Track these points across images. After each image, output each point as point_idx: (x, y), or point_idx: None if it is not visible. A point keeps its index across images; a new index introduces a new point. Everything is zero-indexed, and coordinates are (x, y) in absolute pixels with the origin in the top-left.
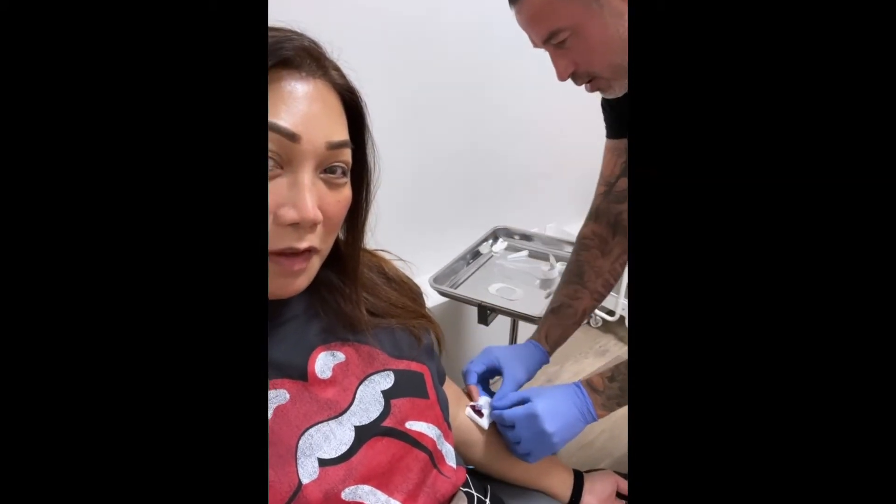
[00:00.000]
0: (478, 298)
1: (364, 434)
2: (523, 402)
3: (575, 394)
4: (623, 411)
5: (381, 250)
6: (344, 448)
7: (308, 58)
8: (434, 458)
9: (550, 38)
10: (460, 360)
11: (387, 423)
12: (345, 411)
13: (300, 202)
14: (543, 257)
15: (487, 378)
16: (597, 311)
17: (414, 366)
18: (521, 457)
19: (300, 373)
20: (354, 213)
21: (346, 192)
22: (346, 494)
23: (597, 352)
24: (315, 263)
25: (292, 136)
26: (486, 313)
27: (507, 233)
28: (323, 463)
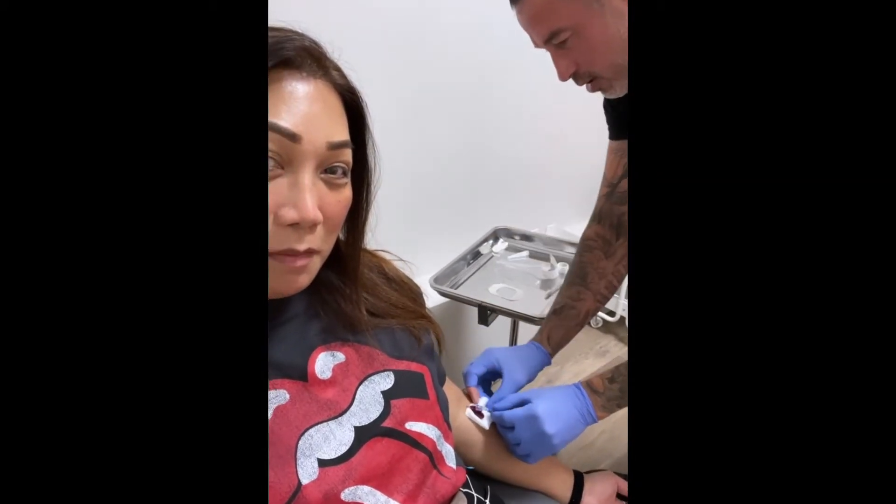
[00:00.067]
0: (478, 299)
1: (364, 434)
2: (523, 403)
3: (575, 395)
4: (623, 412)
5: (382, 250)
6: (344, 448)
7: (309, 58)
8: (434, 458)
9: (551, 38)
10: (460, 361)
11: (386, 423)
12: (344, 412)
13: (300, 202)
14: (544, 258)
15: (488, 380)
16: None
17: (414, 366)
18: (521, 458)
19: (300, 373)
20: (355, 214)
21: (347, 193)
22: (346, 495)
23: (597, 352)
24: (316, 263)
25: (293, 137)
26: (487, 314)
27: (508, 233)
28: (322, 463)
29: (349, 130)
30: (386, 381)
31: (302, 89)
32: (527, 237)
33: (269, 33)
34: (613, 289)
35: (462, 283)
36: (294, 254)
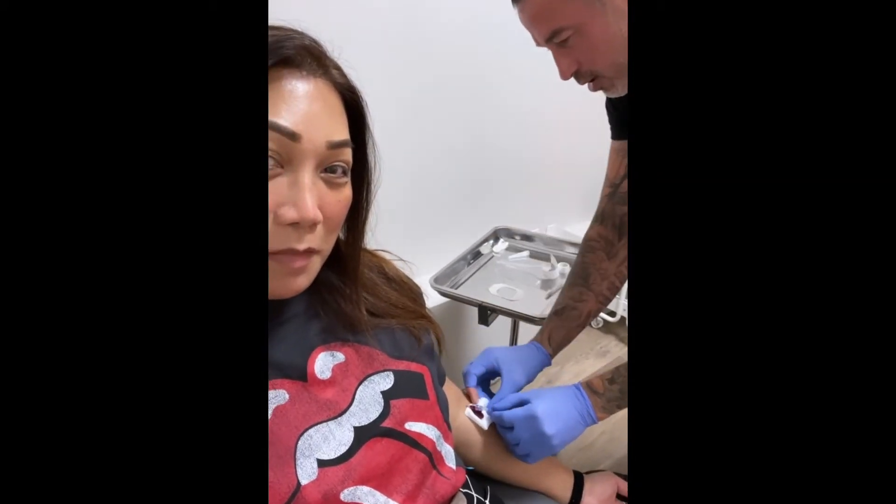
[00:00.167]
0: (478, 299)
1: (363, 435)
2: (523, 403)
3: (575, 396)
4: (624, 413)
5: (382, 250)
6: (343, 449)
7: (309, 57)
8: (433, 459)
9: (553, 37)
10: (461, 361)
11: (386, 423)
12: (344, 412)
13: (300, 202)
14: (544, 258)
15: (488, 379)
16: None
17: (414, 366)
18: (521, 458)
19: (300, 373)
20: (355, 213)
21: (347, 192)
22: (345, 495)
23: (598, 353)
24: (316, 263)
25: (293, 136)
26: (487, 314)
27: (508, 233)
28: (322, 464)
29: (349, 129)
30: (386, 381)
31: (302, 88)
32: (527, 237)
33: (269, 32)
34: (616, 290)
35: (462, 283)
36: (293, 253)
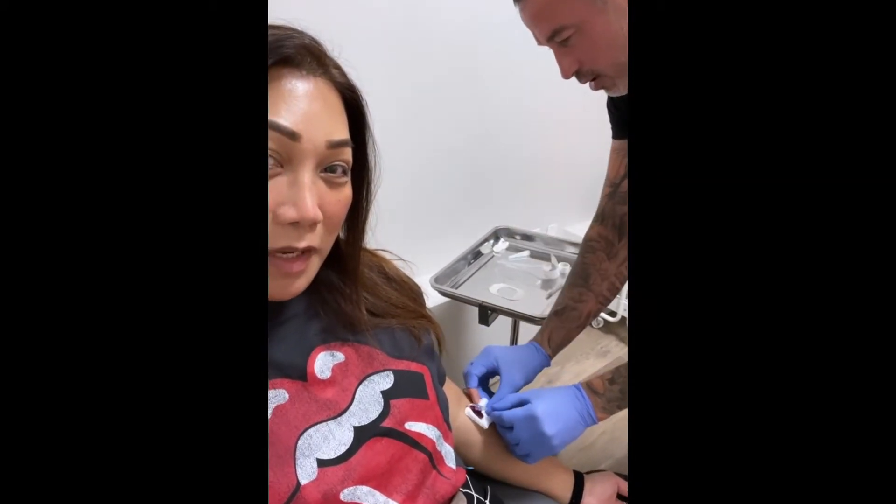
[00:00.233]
0: (479, 299)
1: (363, 434)
2: (523, 403)
3: (575, 396)
4: (624, 413)
5: (382, 250)
6: (343, 448)
7: (309, 56)
8: (433, 459)
9: (554, 36)
10: (461, 361)
11: (386, 423)
12: (344, 412)
13: (300, 201)
14: (545, 257)
15: (487, 378)
16: None
17: (414, 366)
18: (521, 458)
19: (299, 373)
20: (355, 213)
21: (347, 192)
22: (345, 495)
23: (598, 353)
24: (314, 264)
25: (292, 135)
26: (487, 313)
27: (509, 233)
28: (322, 463)
29: (349, 129)
30: (385, 380)
31: (302, 87)
32: (528, 237)
33: (269, 31)
34: (616, 290)
35: (463, 283)
36: (292, 251)
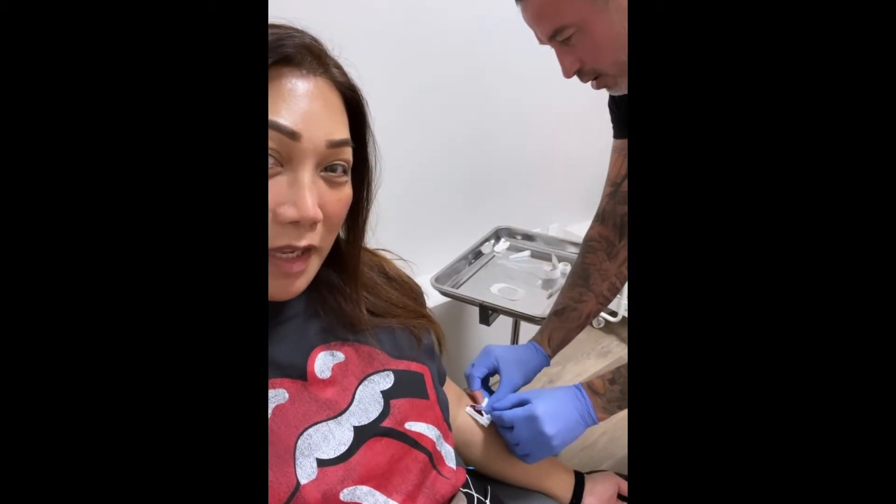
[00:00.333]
0: (479, 298)
1: (363, 434)
2: (523, 403)
3: (575, 396)
4: (625, 413)
5: (382, 249)
6: (343, 448)
7: (309, 55)
8: (433, 459)
9: (556, 35)
10: (461, 361)
11: (386, 423)
12: (344, 411)
13: (300, 201)
14: (546, 257)
15: (488, 378)
16: None
17: (414, 366)
18: (521, 458)
19: (299, 372)
20: (355, 212)
21: (347, 191)
22: (345, 495)
23: (599, 353)
24: (314, 263)
25: (293, 135)
26: (488, 313)
27: (510, 233)
28: (321, 463)
29: (349, 128)
30: (385, 380)
31: (302, 87)
32: (528, 237)
33: (269, 30)
34: (616, 290)
35: (463, 283)
36: (292, 250)
